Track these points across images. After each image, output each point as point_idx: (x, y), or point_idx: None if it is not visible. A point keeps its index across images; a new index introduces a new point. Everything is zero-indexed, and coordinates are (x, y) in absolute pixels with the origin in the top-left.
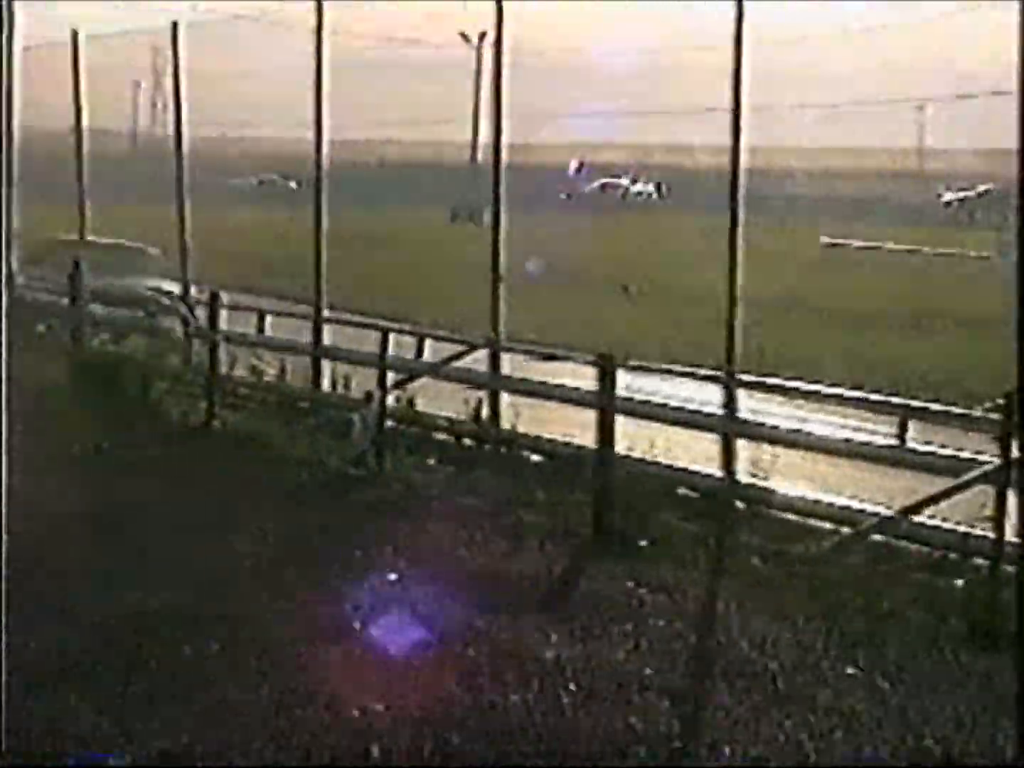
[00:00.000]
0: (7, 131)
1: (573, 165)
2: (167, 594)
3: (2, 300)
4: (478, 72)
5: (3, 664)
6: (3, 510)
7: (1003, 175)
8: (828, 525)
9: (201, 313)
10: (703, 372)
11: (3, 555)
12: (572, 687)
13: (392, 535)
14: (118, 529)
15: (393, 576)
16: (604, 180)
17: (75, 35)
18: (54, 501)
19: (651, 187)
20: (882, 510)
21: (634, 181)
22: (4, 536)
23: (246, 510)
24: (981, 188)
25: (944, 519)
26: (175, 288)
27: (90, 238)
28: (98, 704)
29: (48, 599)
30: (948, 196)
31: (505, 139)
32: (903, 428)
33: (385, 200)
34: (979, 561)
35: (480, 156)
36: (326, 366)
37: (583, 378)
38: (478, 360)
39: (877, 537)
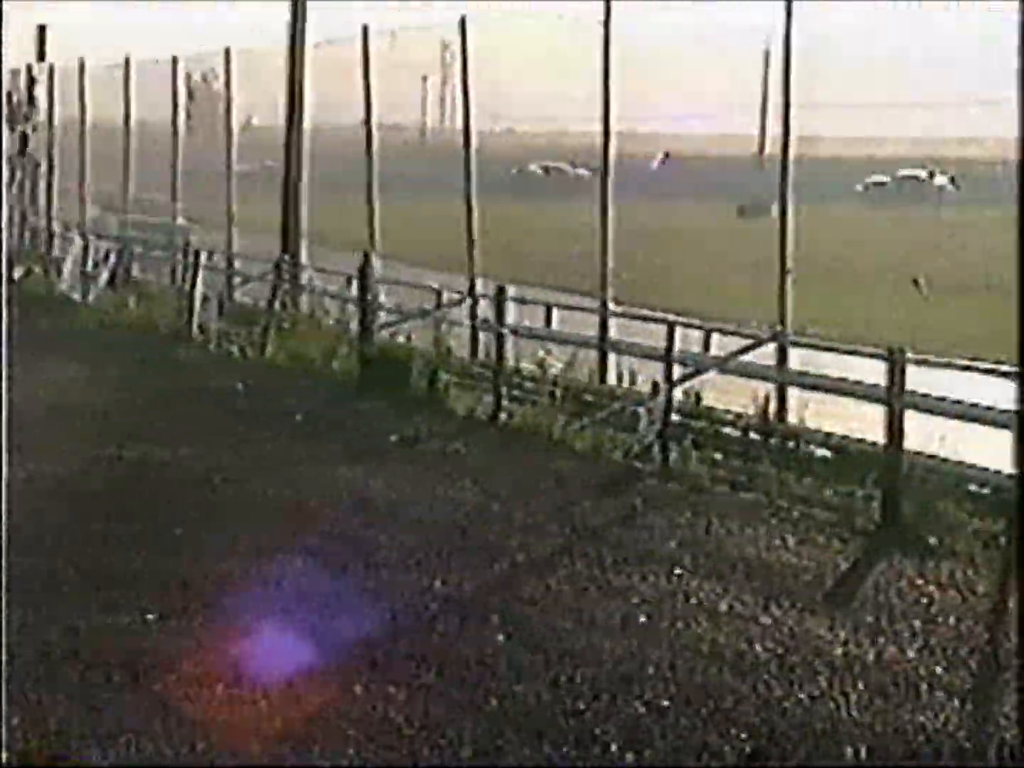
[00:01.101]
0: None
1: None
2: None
3: (2, 298)
4: (766, 64)
5: (3, 673)
6: (3, 510)
7: None
8: None
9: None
10: (1004, 368)
11: (3, 561)
12: (860, 685)
13: (675, 529)
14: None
15: (677, 571)
16: (904, 172)
17: (365, 30)
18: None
19: (946, 180)
20: None
21: (931, 175)
22: (4, 538)
23: (528, 504)
24: None
25: None
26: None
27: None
28: None
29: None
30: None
31: (794, 131)
32: None
33: (671, 194)
34: None
35: (768, 149)
36: (612, 360)
37: (873, 373)
38: (765, 354)
39: None
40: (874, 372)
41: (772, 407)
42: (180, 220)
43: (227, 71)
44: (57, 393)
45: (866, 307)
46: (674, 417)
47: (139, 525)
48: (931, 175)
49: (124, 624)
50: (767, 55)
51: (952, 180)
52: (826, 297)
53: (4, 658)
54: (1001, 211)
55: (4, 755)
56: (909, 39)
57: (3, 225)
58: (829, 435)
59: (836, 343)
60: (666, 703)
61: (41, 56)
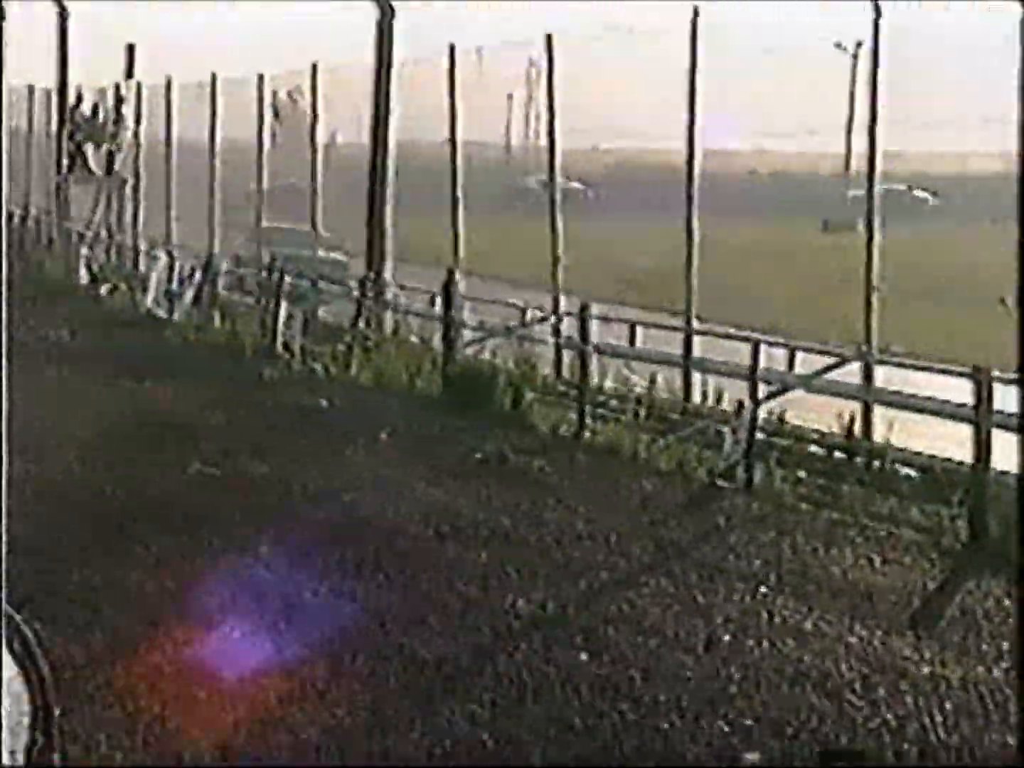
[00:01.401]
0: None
1: None
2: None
3: (2, 290)
4: (852, 81)
5: (3, 691)
6: (3, 507)
7: None
8: None
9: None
10: None
11: (2, 563)
12: (947, 705)
13: (759, 548)
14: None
15: (762, 589)
16: (885, 186)
17: (452, 48)
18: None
19: (928, 194)
20: None
21: (910, 188)
22: (3, 542)
23: (612, 522)
24: None
25: None
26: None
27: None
28: None
29: None
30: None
31: (880, 148)
32: None
33: (756, 210)
34: None
35: (853, 165)
36: (696, 378)
37: (959, 392)
38: (850, 373)
39: None
40: (960, 391)
41: (857, 426)
42: (335, 254)
43: (313, 89)
44: (147, 411)
45: (951, 324)
46: (759, 435)
47: (235, 540)
48: (909, 188)
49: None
50: (854, 71)
51: (934, 193)
52: (910, 314)
53: (4, 661)
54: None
55: (5, 755)
56: (995, 54)
57: (2, 225)
58: (915, 454)
59: (921, 361)
60: (750, 723)
61: (129, 74)
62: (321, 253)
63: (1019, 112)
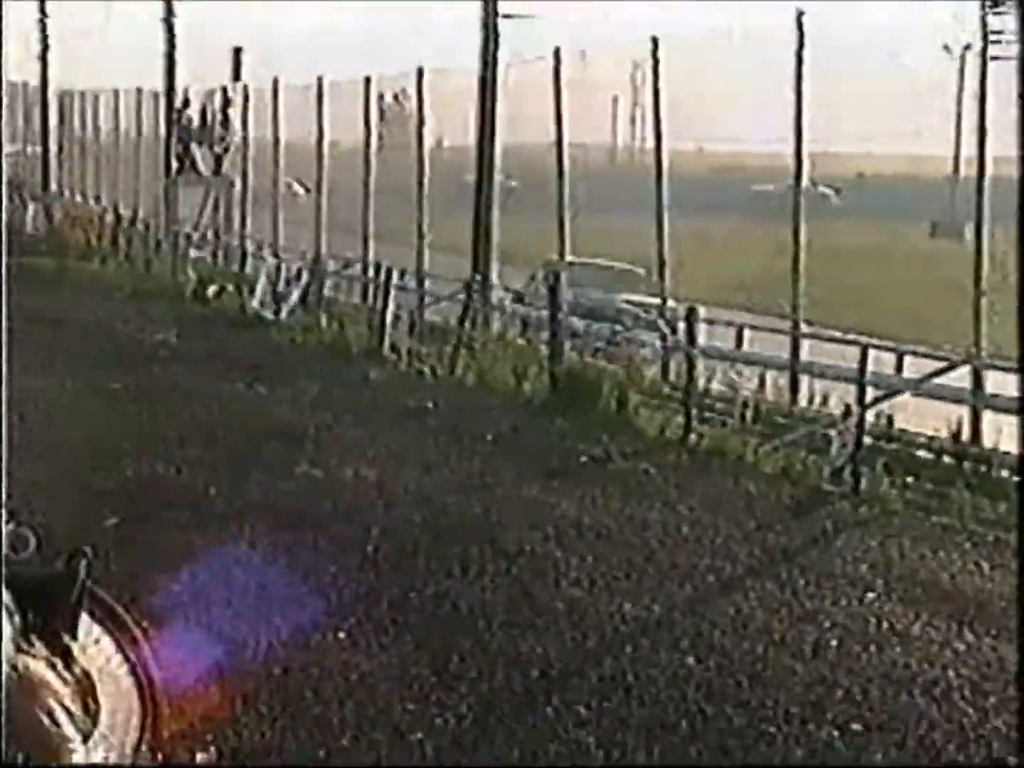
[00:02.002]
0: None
1: None
2: None
3: (2, 290)
4: (960, 84)
5: (3, 680)
6: (2, 506)
7: None
8: None
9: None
10: None
11: (2, 566)
12: None
13: (867, 553)
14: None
15: (869, 594)
16: (790, 181)
17: (557, 51)
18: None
19: (831, 191)
20: None
21: (814, 184)
22: (3, 539)
23: (718, 526)
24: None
25: None
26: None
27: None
28: None
29: None
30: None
31: (990, 152)
32: None
33: (862, 214)
34: None
35: (963, 169)
36: (804, 381)
37: None
38: (960, 377)
39: None
40: None
41: (966, 430)
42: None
43: (419, 91)
44: (252, 412)
45: None
46: (866, 440)
47: (339, 543)
48: (814, 184)
49: None
50: (961, 74)
51: (837, 191)
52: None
53: (5, 666)
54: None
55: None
56: None
57: (3, 226)
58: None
59: None
60: (858, 727)
61: (236, 76)
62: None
63: (1019, 113)
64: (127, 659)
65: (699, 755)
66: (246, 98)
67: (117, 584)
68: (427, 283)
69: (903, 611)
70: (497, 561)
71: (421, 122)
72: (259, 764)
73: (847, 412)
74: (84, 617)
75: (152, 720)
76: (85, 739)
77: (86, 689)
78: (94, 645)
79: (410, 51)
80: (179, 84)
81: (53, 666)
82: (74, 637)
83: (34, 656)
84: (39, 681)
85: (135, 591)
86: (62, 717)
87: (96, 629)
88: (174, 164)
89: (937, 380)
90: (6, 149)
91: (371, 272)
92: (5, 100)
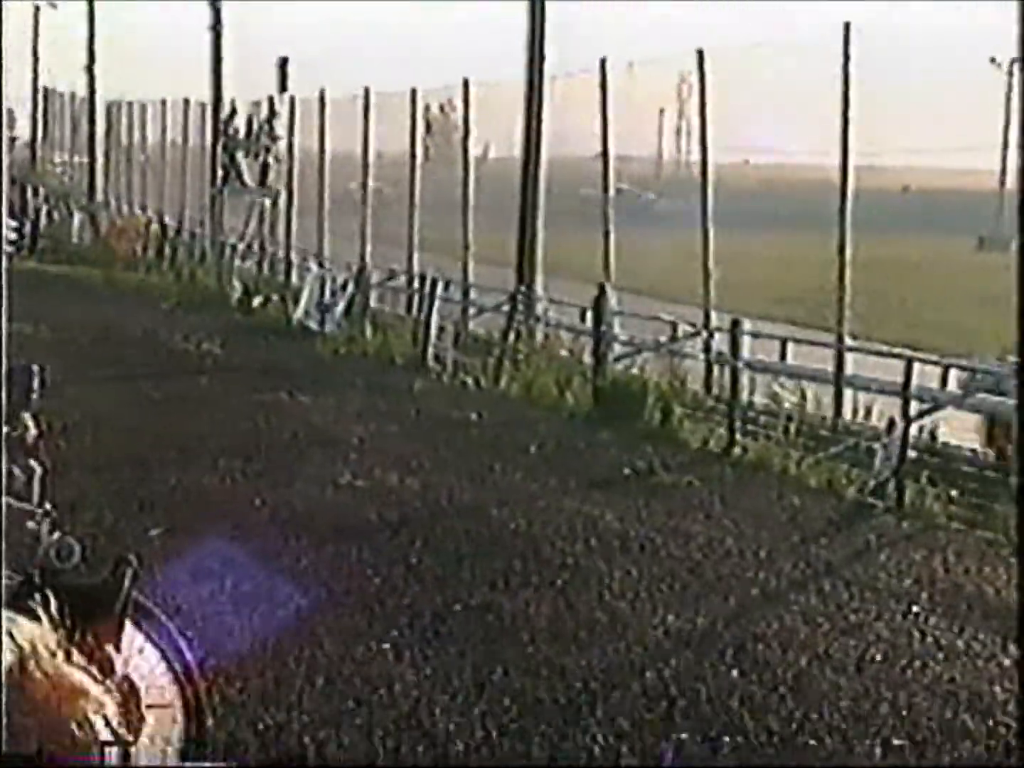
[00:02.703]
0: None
1: None
2: None
3: (2, 292)
4: (1008, 97)
5: (2, 671)
6: (2, 505)
7: None
8: None
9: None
10: None
11: (2, 566)
12: None
13: (911, 567)
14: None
15: (914, 608)
16: (619, 186)
17: (603, 63)
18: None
19: (654, 195)
20: None
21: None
22: (3, 538)
23: (761, 539)
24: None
25: None
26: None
27: None
28: None
29: None
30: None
31: None
32: None
33: (909, 227)
34: None
35: (1009, 182)
36: (848, 394)
37: None
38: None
39: None
40: None
41: (1011, 445)
42: None
43: (465, 102)
44: (295, 422)
45: None
46: (910, 453)
47: (383, 553)
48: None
49: None
50: (1009, 87)
51: (659, 195)
52: None
53: (5, 657)
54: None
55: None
56: None
57: (2, 228)
58: None
59: None
60: (901, 743)
61: (283, 87)
62: None
63: (1019, 118)
64: (171, 669)
65: None
66: (292, 109)
67: (161, 594)
68: (472, 294)
69: (947, 625)
70: (541, 572)
71: (467, 133)
72: None
73: (891, 425)
74: (128, 626)
75: (196, 730)
76: (126, 751)
77: (128, 699)
78: (138, 655)
79: (456, 62)
80: (225, 95)
81: (92, 675)
82: (118, 647)
83: (74, 665)
84: (77, 690)
85: (179, 602)
86: (100, 727)
87: (140, 638)
88: (220, 175)
89: (982, 394)
90: (57, 159)
91: (416, 283)
92: (6, 103)
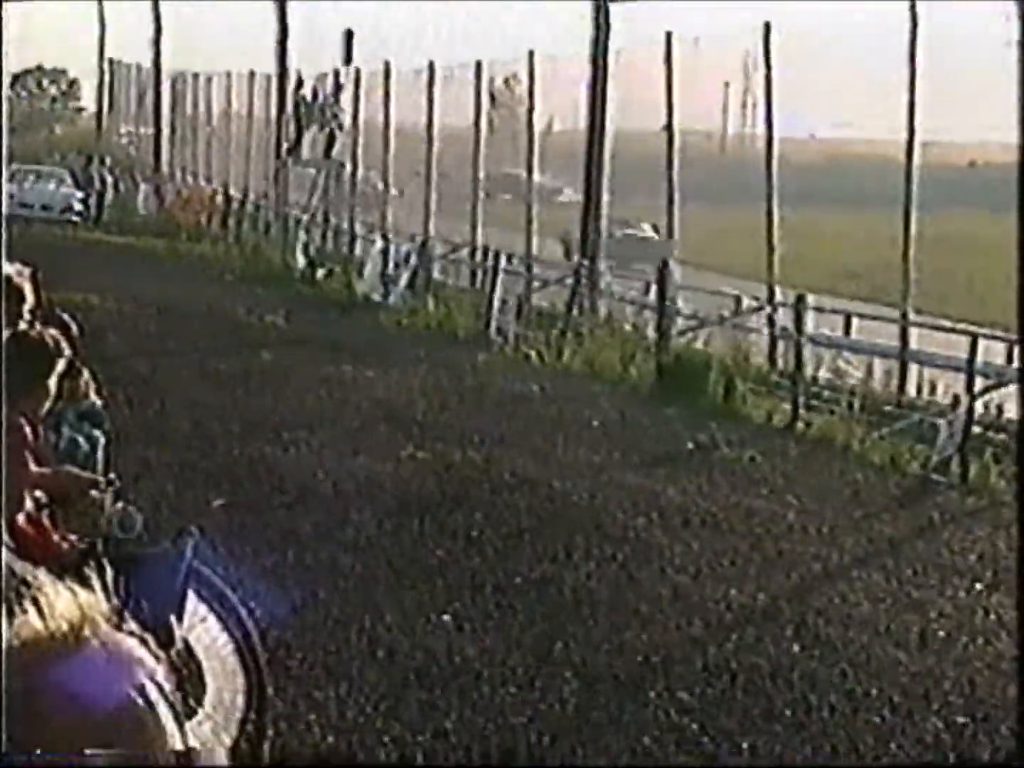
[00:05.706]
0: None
1: None
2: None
3: (1, 284)
4: None
5: (3, 666)
6: (2, 503)
7: None
8: None
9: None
10: None
11: (1, 566)
12: None
13: (975, 543)
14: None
15: (978, 586)
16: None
17: (668, 36)
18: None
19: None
20: None
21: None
22: (3, 539)
23: (824, 514)
24: None
25: None
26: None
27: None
28: None
29: None
30: None
31: None
32: None
33: (975, 202)
34: None
35: None
36: (912, 370)
37: None
38: None
39: None
40: None
41: None
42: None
43: (530, 76)
44: (359, 395)
45: None
46: (974, 429)
47: (446, 527)
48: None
49: None
50: None
51: (656, 231)
52: None
53: (4, 654)
54: None
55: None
56: None
57: (2, 221)
58: None
59: None
60: (963, 720)
61: (347, 60)
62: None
63: (1019, 110)
64: (233, 639)
65: (802, 744)
66: (357, 82)
67: (222, 564)
68: (535, 268)
69: (1011, 602)
70: (602, 547)
71: (531, 106)
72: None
73: (955, 401)
74: (190, 596)
75: (257, 701)
76: (187, 718)
77: (189, 668)
78: (200, 624)
79: (521, 36)
80: (291, 67)
81: (147, 645)
82: (180, 616)
83: (129, 633)
84: (133, 659)
85: (240, 574)
86: (155, 696)
87: (203, 608)
88: (285, 147)
89: None
90: (123, 130)
91: (479, 256)
92: (6, 105)
